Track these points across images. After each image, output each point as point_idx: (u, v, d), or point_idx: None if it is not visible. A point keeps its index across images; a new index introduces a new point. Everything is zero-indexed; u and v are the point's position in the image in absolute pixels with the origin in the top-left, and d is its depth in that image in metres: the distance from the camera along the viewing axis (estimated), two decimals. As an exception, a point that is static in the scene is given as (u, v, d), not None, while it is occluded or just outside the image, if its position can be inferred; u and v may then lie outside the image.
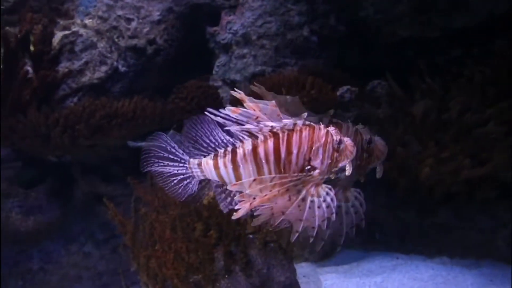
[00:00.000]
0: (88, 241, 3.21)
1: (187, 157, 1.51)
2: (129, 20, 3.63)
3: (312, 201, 1.31)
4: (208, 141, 1.45)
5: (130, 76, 3.72)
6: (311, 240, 1.36)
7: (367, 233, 3.55)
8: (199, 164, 1.46)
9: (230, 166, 1.38)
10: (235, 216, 1.33)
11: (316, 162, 1.33)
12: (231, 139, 1.42)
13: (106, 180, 3.17)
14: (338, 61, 4.06)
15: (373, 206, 3.58)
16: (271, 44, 3.51)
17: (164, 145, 1.54)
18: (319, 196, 1.32)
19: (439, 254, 3.45)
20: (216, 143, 1.44)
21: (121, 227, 2.16)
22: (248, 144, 1.35)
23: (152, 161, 1.57)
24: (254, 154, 1.34)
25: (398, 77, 3.76)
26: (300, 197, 1.31)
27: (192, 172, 1.49)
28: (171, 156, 1.53)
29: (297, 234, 1.33)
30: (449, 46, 4.28)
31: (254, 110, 1.30)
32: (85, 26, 3.71)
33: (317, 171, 1.32)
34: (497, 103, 3.44)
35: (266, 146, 1.32)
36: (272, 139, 1.31)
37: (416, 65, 4.42)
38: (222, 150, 1.41)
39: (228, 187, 1.37)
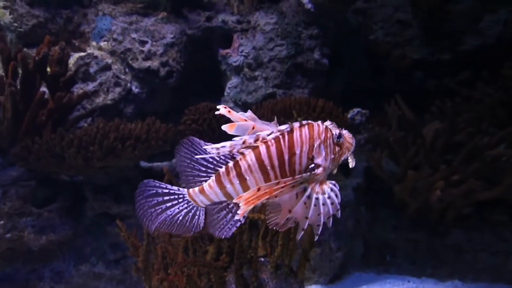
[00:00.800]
0: (99, 261, 3.22)
1: (184, 190, 1.44)
2: (143, 43, 3.70)
3: (317, 199, 1.31)
4: (206, 163, 1.39)
5: (143, 97, 3.78)
6: (316, 237, 1.35)
7: (378, 256, 3.52)
8: (201, 191, 1.39)
9: (236, 182, 1.33)
10: (238, 216, 1.31)
11: (320, 160, 1.32)
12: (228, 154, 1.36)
13: (117, 200, 3.20)
14: (348, 83, 4.10)
15: (384, 228, 3.56)
16: (283, 67, 3.56)
17: (155, 191, 1.46)
18: (323, 193, 1.32)
19: (451, 277, 3.40)
20: (215, 162, 1.39)
21: (134, 250, 2.18)
22: (250, 154, 1.31)
23: (151, 213, 1.48)
24: (259, 163, 1.31)
25: (408, 98, 3.78)
26: (306, 194, 1.30)
27: (195, 201, 1.42)
28: (166, 198, 1.45)
29: (302, 232, 1.32)
30: (459, 68, 4.31)
31: (246, 120, 1.28)
32: (100, 48, 3.79)
33: (320, 168, 1.31)
34: (508, 126, 3.44)
35: (269, 152, 1.30)
36: (274, 144, 1.30)
37: (426, 86, 4.45)
38: (223, 169, 1.35)
39: (234, 201, 1.32)
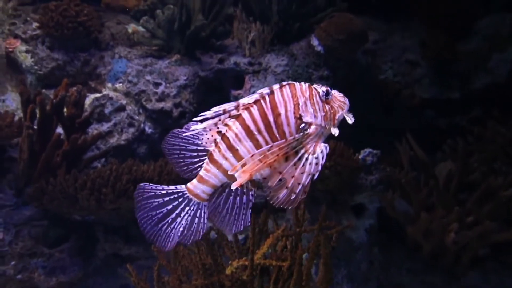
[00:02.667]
0: (109, 303, 3.20)
1: (182, 187, 1.36)
2: (157, 85, 3.80)
3: (306, 159, 1.27)
4: (195, 147, 1.33)
5: (156, 137, 3.84)
6: (293, 196, 1.28)
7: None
8: (200, 180, 1.32)
9: (229, 155, 1.29)
10: (235, 185, 1.26)
11: (308, 117, 1.28)
12: (216, 130, 1.30)
13: (128, 241, 3.20)
14: (359, 122, 4.12)
15: (398, 270, 3.49)
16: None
17: (153, 193, 1.37)
18: (314, 153, 1.28)
19: (469, 322, 3.29)
20: (204, 144, 1.33)
21: (144, 294, 2.16)
22: (234, 123, 1.27)
23: (151, 222, 1.37)
24: (245, 130, 1.27)
25: (419, 137, 3.78)
26: (298, 156, 1.26)
27: (196, 196, 1.34)
28: (166, 199, 1.35)
29: (285, 190, 1.27)
30: (470, 106, 4.32)
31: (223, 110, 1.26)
32: (115, 89, 3.90)
33: (312, 126, 1.28)
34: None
35: (253, 116, 1.26)
36: (255, 106, 1.26)
37: (437, 125, 4.45)
38: (213, 146, 1.30)
39: (229, 173, 1.27)
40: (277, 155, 1.24)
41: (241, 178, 1.24)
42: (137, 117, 3.79)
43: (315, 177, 1.28)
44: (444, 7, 4.24)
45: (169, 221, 1.36)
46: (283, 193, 1.28)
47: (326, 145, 1.30)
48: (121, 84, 3.90)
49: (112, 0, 4.83)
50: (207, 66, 3.87)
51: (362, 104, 4.31)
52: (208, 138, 1.32)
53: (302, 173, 1.26)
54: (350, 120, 1.36)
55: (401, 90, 4.24)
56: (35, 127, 3.23)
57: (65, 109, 3.34)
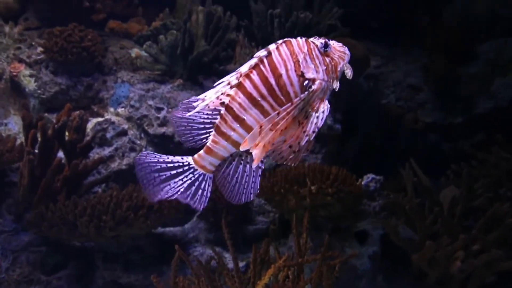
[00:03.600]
0: (106, 333, 3.12)
1: (189, 158, 1.34)
2: (159, 109, 3.81)
3: (310, 116, 1.22)
4: (201, 119, 1.30)
5: (157, 162, 3.82)
6: (292, 156, 1.24)
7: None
8: (208, 151, 1.29)
9: (237, 126, 1.23)
10: (254, 163, 1.21)
11: (310, 73, 1.23)
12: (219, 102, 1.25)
13: (127, 269, 3.14)
14: (362, 147, 4.10)
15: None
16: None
17: (156, 159, 1.33)
18: (317, 111, 1.23)
19: None
20: (211, 117, 1.29)
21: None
22: (236, 92, 1.21)
23: (153, 183, 1.33)
24: (248, 98, 1.21)
25: (423, 161, 3.75)
26: (306, 116, 1.21)
27: (203, 168, 1.31)
28: (172, 172, 1.32)
29: (289, 149, 1.22)
30: (473, 131, 4.30)
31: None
32: (117, 114, 3.90)
33: (316, 82, 1.23)
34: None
35: (254, 83, 1.21)
36: (254, 72, 1.20)
37: (440, 149, 4.43)
38: (218, 118, 1.25)
39: (240, 148, 1.21)
40: (287, 119, 1.19)
41: (257, 153, 1.19)
42: (138, 142, 3.78)
43: (313, 137, 1.24)
44: (445, 32, 4.28)
45: (170, 184, 1.34)
46: (286, 151, 1.24)
47: (328, 105, 1.27)
48: (123, 109, 3.90)
49: (116, 25, 4.89)
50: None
51: (365, 129, 4.31)
52: (211, 109, 1.28)
53: (304, 131, 1.22)
54: (349, 74, 1.30)
55: (404, 114, 4.23)
56: (36, 151, 3.23)
57: (67, 134, 3.34)
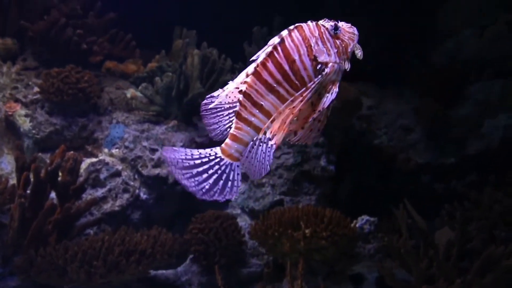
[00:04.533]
0: None
1: (216, 148, 1.37)
2: (153, 151, 3.82)
3: (324, 97, 1.27)
4: (227, 106, 1.34)
5: (150, 203, 3.80)
6: (306, 135, 1.30)
7: None
8: (233, 138, 1.32)
9: (256, 112, 1.28)
10: (272, 142, 1.26)
11: (323, 57, 1.26)
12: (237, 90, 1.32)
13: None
14: (356, 187, 4.11)
15: None
16: (290, 174, 3.61)
17: (184, 155, 1.39)
18: (329, 92, 1.27)
19: None
20: (232, 105, 1.33)
21: None
22: (252, 79, 1.27)
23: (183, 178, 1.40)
24: (264, 84, 1.26)
25: (416, 201, 3.75)
26: (318, 97, 1.26)
27: (230, 156, 1.34)
28: (200, 168, 1.37)
29: (301, 128, 1.28)
30: (465, 171, 4.33)
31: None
32: (111, 155, 3.91)
33: (329, 65, 1.26)
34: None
35: (269, 70, 1.25)
36: (269, 59, 1.25)
37: (434, 189, 4.44)
38: (238, 106, 1.30)
39: (260, 134, 1.28)
40: (303, 104, 1.24)
41: (276, 137, 1.25)
42: (132, 183, 3.77)
43: (317, 115, 1.29)
44: (435, 74, 4.39)
45: (199, 180, 1.38)
46: (300, 131, 1.31)
47: (337, 90, 1.30)
48: (117, 150, 3.91)
49: (112, 65, 4.96)
50: (204, 132, 3.91)
51: (359, 169, 4.34)
52: (230, 98, 1.33)
53: (314, 111, 1.28)
54: (359, 54, 1.33)
55: (396, 154, 4.27)
56: (28, 192, 3.20)
57: (60, 176, 3.32)
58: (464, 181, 4.31)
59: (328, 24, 1.30)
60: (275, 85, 1.27)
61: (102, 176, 3.76)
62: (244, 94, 1.29)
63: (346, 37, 1.31)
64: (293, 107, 1.24)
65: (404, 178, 4.33)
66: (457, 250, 3.32)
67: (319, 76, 1.26)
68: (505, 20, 4.52)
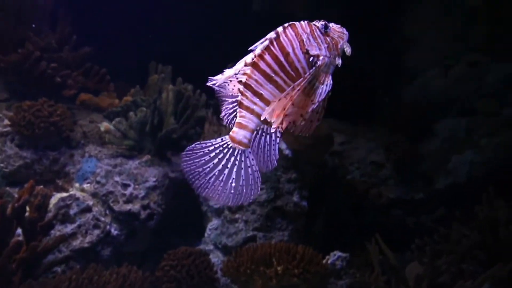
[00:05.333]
0: None
1: (225, 137, 1.43)
2: (125, 186, 3.78)
3: (317, 87, 1.38)
4: (230, 98, 1.45)
5: (121, 239, 3.73)
6: (305, 125, 1.39)
7: None
8: (239, 125, 1.41)
9: (257, 100, 1.39)
10: (273, 128, 1.36)
11: (314, 50, 1.39)
12: (237, 81, 1.42)
13: None
14: (328, 222, 4.15)
15: None
16: (262, 210, 3.62)
17: (201, 152, 1.42)
18: (323, 83, 1.39)
19: None
20: (232, 94, 1.45)
21: None
22: (252, 70, 1.38)
23: (199, 177, 1.42)
24: (262, 75, 1.38)
25: (388, 235, 3.81)
26: (313, 87, 1.37)
27: (240, 143, 1.41)
28: (215, 158, 1.40)
29: (300, 117, 1.36)
30: (434, 206, 4.44)
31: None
32: (82, 190, 3.84)
33: (321, 58, 1.38)
34: (489, 266, 3.43)
35: (266, 61, 1.37)
36: (266, 52, 1.38)
37: (405, 224, 4.52)
38: (240, 95, 1.41)
39: (261, 118, 1.38)
40: (299, 92, 1.36)
41: (276, 121, 1.35)
42: (103, 219, 3.70)
43: (319, 105, 1.39)
44: (403, 112, 4.55)
45: (216, 174, 1.42)
46: (300, 121, 1.40)
47: (331, 81, 1.42)
48: (89, 184, 3.85)
49: (87, 98, 4.95)
50: (177, 167, 3.90)
51: (331, 204, 4.39)
52: (232, 89, 1.43)
53: (312, 101, 1.38)
54: (348, 51, 1.45)
55: (368, 190, 4.35)
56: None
57: (27, 212, 3.24)
58: (433, 216, 4.41)
59: (319, 23, 1.45)
60: (272, 75, 1.39)
61: (72, 212, 3.68)
62: (245, 84, 1.40)
63: (336, 35, 1.45)
64: (291, 95, 1.36)
65: (376, 212, 4.40)
66: (427, 285, 3.36)
67: (313, 68, 1.40)
68: (467, 61, 4.77)
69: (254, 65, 1.39)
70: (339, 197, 4.30)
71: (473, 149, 4.57)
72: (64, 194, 3.81)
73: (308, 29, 1.42)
